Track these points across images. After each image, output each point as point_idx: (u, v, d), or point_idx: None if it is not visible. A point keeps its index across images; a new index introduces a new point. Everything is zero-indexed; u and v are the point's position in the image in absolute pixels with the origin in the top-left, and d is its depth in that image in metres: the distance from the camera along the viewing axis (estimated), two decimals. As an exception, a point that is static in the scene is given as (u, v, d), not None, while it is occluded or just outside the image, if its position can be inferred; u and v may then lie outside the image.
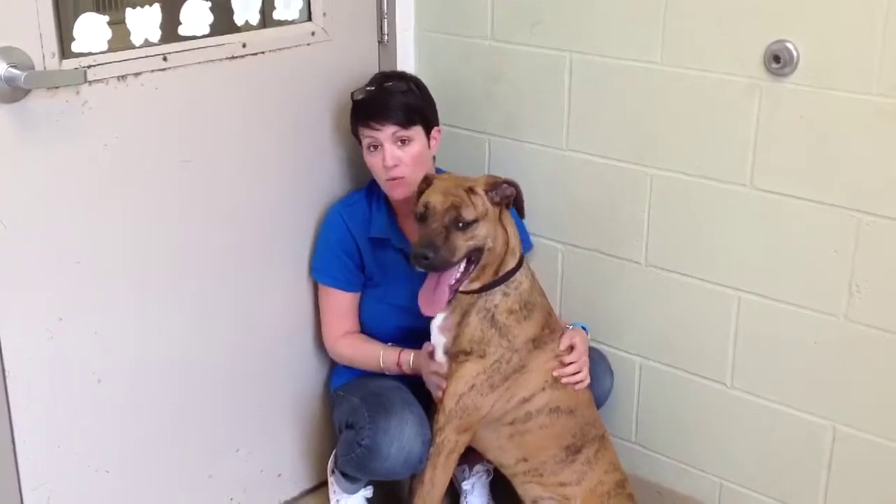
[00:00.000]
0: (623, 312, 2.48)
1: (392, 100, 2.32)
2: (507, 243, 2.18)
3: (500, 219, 2.18)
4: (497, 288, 2.18)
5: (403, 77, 2.43)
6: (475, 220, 2.11)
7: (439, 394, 2.23)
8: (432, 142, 2.40)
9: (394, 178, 2.32)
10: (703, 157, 2.23)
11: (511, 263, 2.20)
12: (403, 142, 2.32)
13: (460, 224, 2.10)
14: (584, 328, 2.36)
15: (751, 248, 2.22)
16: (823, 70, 2.01)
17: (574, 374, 2.25)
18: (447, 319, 2.22)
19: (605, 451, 2.32)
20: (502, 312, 2.18)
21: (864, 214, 2.03)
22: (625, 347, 2.50)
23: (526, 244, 2.51)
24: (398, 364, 2.37)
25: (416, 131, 2.34)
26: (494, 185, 2.16)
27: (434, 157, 2.44)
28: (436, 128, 2.41)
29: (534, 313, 2.21)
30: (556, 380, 2.23)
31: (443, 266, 2.09)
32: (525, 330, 2.20)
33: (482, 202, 2.13)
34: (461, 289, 2.17)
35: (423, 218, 2.13)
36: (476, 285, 2.18)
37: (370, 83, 2.38)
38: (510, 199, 2.19)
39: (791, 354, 2.21)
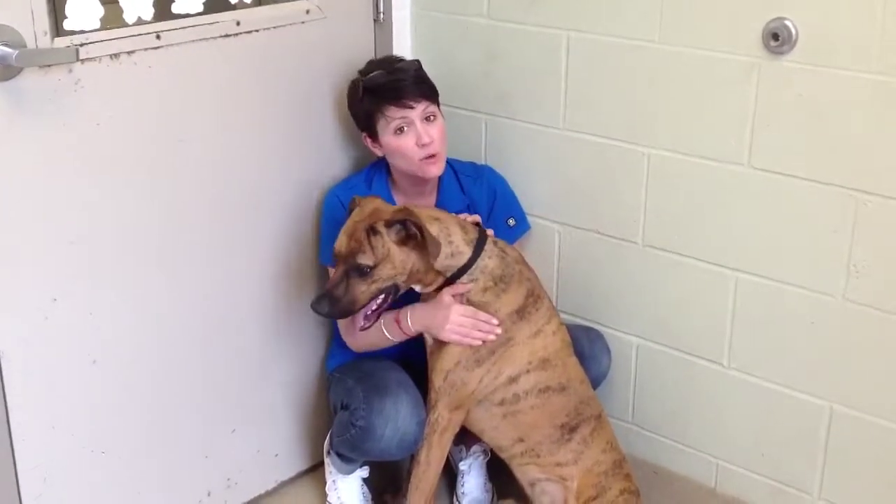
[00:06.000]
0: (620, 293, 2.47)
1: (414, 77, 2.30)
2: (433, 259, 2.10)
3: (417, 245, 2.07)
4: (461, 278, 2.16)
5: (402, 58, 2.42)
6: (374, 266, 2.07)
7: (483, 339, 2.16)
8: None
9: (430, 156, 2.29)
10: (701, 136, 2.22)
11: (461, 261, 2.14)
12: (431, 118, 2.30)
13: (360, 270, 2.07)
14: None
15: (748, 228, 2.21)
16: (822, 48, 1.99)
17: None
18: None
19: (602, 430, 2.31)
20: (476, 293, 2.17)
21: (862, 194, 2.02)
22: (622, 328, 2.50)
23: (523, 225, 2.51)
24: (397, 321, 2.25)
25: (439, 107, 2.34)
26: (392, 223, 2.06)
27: None
28: None
29: (511, 285, 2.19)
30: (543, 359, 2.22)
31: (344, 315, 2.14)
32: (506, 302, 2.19)
33: (382, 243, 2.07)
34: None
35: (335, 259, 2.13)
36: (432, 288, 2.18)
37: (377, 66, 2.34)
38: (416, 234, 2.07)
39: (788, 334, 2.21)
